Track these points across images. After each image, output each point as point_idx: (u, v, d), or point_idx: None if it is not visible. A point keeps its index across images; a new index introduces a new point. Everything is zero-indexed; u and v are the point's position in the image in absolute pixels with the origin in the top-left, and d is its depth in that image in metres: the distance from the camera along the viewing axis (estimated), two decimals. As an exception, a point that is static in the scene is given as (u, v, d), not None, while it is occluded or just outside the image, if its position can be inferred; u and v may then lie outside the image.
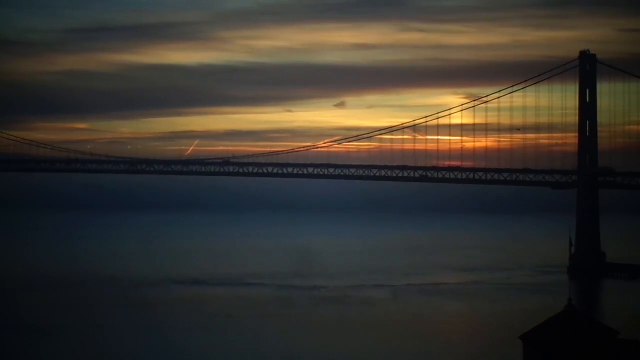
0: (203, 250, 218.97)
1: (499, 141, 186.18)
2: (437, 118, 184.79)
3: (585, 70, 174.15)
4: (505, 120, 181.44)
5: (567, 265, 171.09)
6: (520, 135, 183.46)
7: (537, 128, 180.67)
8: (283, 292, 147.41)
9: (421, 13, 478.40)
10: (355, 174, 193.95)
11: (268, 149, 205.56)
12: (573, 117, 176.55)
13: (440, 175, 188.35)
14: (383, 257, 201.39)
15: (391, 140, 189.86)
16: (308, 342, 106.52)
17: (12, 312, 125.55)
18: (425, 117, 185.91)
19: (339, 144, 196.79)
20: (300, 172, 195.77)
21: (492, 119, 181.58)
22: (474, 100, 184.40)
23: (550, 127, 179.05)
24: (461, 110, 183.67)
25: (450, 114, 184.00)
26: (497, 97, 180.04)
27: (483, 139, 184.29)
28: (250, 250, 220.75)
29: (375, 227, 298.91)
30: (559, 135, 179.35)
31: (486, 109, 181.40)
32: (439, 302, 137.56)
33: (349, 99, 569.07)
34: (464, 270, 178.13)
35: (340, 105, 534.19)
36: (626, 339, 55.96)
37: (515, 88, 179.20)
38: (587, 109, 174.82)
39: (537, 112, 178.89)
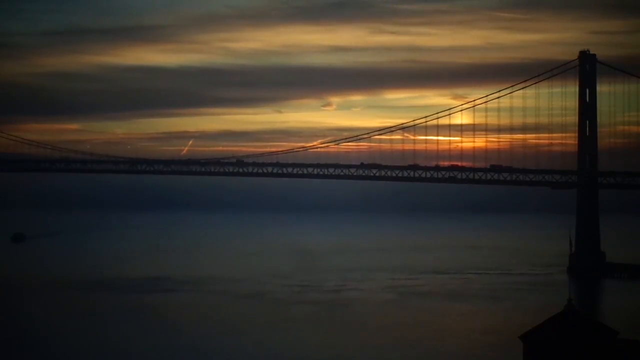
0: (200, 251, 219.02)
1: (498, 141, 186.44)
2: (437, 118, 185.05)
3: (585, 70, 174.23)
4: (505, 120, 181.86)
5: (567, 265, 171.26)
6: (520, 136, 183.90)
7: (536, 128, 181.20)
8: (280, 293, 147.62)
9: (391, 16, 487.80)
10: (355, 174, 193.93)
11: (268, 149, 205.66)
12: (572, 118, 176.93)
13: (440, 175, 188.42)
14: (384, 257, 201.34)
15: (391, 140, 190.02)
16: (309, 343, 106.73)
17: (10, 314, 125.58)
18: (425, 117, 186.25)
19: (336, 144, 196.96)
20: (300, 172, 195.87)
21: (492, 119, 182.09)
22: (474, 101, 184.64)
23: (549, 128, 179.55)
24: (461, 110, 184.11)
25: (450, 114, 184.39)
26: (497, 97, 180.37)
27: (483, 139, 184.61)
28: (247, 250, 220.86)
29: (376, 227, 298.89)
30: (559, 135, 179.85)
31: (486, 109, 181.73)
32: (439, 303, 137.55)
33: (335, 100, 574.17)
34: (463, 270, 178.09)
35: (328, 105, 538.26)
36: (626, 339, 56.06)
37: (515, 88, 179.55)
38: (587, 109, 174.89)
39: (537, 112, 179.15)
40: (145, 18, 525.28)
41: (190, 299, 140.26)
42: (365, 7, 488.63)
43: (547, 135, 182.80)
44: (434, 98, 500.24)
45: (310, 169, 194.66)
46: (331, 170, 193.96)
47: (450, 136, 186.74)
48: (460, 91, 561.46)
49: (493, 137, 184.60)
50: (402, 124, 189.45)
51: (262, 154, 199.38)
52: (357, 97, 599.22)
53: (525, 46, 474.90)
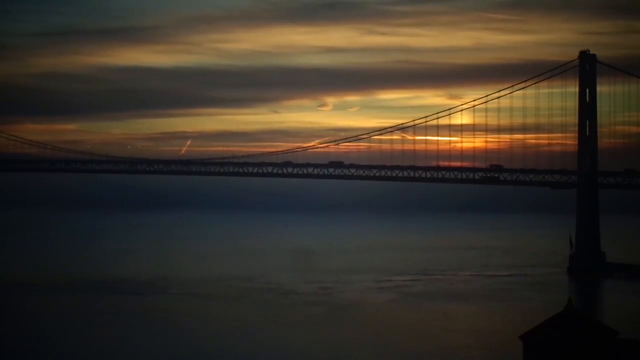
0: (200, 252, 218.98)
1: (498, 141, 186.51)
2: (437, 119, 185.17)
3: (585, 70, 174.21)
4: (505, 121, 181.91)
5: (567, 265, 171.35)
6: (520, 136, 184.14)
7: (536, 128, 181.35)
8: (282, 293, 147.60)
9: (381, 17, 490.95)
10: (355, 174, 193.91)
11: (268, 150, 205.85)
12: (572, 118, 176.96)
13: (440, 175, 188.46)
14: (384, 258, 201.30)
15: (391, 140, 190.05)
16: (303, 341, 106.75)
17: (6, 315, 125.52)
18: (425, 117, 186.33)
19: (335, 144, 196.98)
20: (300, 172, 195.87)
21: (492, 119, 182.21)
22: (474, 101, 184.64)
23: (549, 128, 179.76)
24: (461, 111, 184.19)
25: (450, 114, 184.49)
26: (497, 97, 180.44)
27: (482, 139, 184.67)
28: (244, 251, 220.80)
29: (376, 227, 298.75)
30: (559, 135, 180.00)
31: (486, 110, 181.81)
32: (438, 303, 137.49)
33: (330, 101, 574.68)
34: (462, 270, 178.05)
35: (324, 106, 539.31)
36: (626, 339, 56.07)
37: (515, 88, 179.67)
38: (587, 109, 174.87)
39: (537, 112, 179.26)
40: (138, 19, 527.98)
41: (184, 300, 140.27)
42: (354, 9, 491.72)
43: (547, 135, 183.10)
44: (430, 98, 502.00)
45: (310, 169, 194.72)
46: (331, 170, 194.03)
47: (450, 136, 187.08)
48: (455, 91, 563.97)
49: (493, 137, 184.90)
50: (402, 124, 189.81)
51: (262, 154, 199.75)
52: (352, 98, 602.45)
53: (516, 47, 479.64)
